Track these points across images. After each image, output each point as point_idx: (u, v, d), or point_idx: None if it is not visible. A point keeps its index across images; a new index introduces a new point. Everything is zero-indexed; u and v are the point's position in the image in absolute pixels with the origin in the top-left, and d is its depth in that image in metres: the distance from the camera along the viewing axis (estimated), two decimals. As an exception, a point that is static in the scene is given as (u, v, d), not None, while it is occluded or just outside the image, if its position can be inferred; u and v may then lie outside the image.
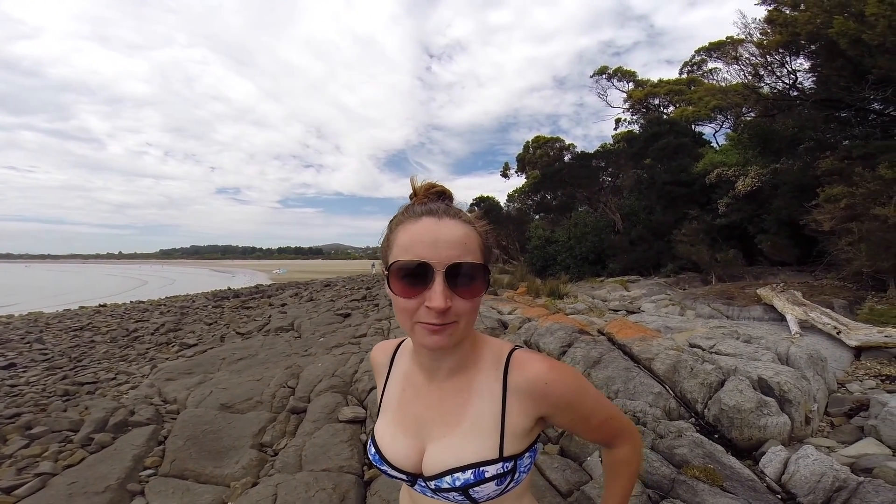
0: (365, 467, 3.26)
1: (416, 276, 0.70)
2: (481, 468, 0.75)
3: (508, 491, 0.79)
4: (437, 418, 0.83)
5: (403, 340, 0.98)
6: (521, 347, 0.85)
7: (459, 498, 0.77)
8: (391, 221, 0.79)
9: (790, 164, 10.54)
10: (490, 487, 0.75)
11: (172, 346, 8.65)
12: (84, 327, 11.36)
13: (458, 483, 0.75)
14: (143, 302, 18.49)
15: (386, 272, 0.74)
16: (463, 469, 0.75)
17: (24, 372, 6.88)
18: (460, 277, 0.70)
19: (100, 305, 17.28)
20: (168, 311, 14.03)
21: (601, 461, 0.90)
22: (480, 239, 0.76)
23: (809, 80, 10.03)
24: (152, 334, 10.03)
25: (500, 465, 0.75)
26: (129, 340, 9.42)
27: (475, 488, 0.75)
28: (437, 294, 0.68)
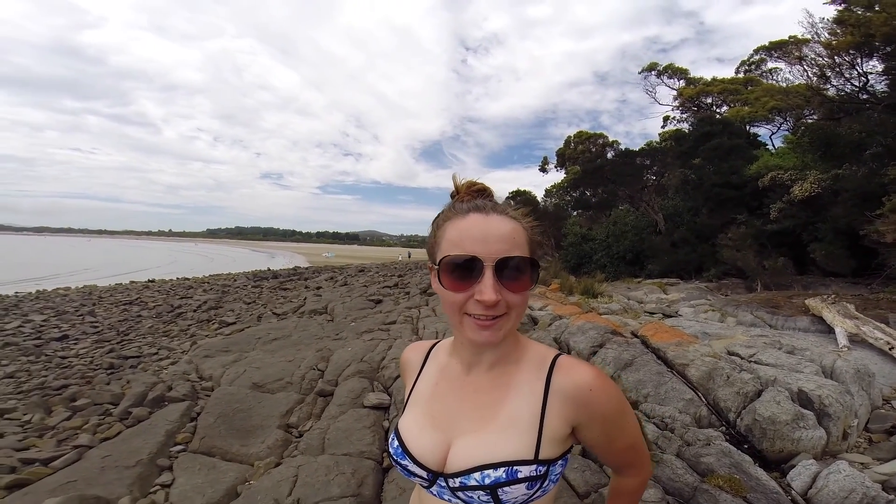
0: (384, 453, 3.30)
1: (465, 270, 0.71)
2: (515, 467, 0.72)
3: (535, 499, 0.76)
4: (469, 412, 0.81)
5: (438, 341, 0.99)
6: (567, 355, 0.84)
7: (485, 498, 0.73)
8: (436, 219, 0.80)
9: (854, 171, 9.89)
10: (520, 490, 0.72)
11: (212, 324, 9.03)
12: (133, 302, 12.03)
13: (487, 481, 0.72)
14: (188, 279, 19.40)
15: (435, 268, 0.76)
16: (495, 466, 0.72)
17: (76, 344, 7.34)
18: (509, 271, 0.71)
19: (148, 281, 18.23)
20: (211, 289, 14.65)
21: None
22: (527, 234, 0.77)
23: (882, 82, 9.44)
24: (195, 311, 10.51)
25: (535, 467, 0.73)
26: (172, 316, 9.90)
27: (505, 488, 0.72)
28: (487, 287, 0.69)
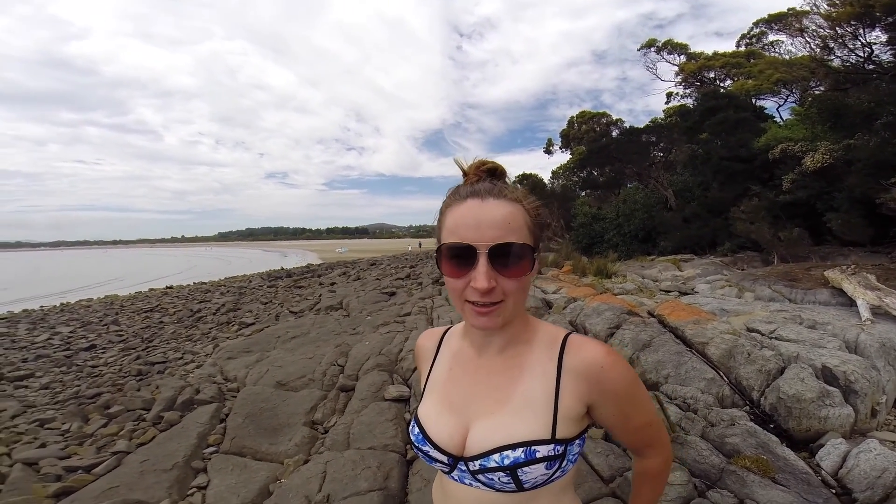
0: (408, 446, 3.35)
1: (461, 257, 0.72)
2: (533, 447, 0.73)
3: (554, 480, 0.77)
4: (484, 395, 0.82)
5: (450, 327, 1.00)
6: (577, 333, 0.84)
7: (505, 479, 0.74)
8: (442, 204, 0.81)
9: (866, 140, 9.77)
10: (539, 470, 0.73)
11: (232, 326, 9.19)
12: (154, 309, 12.28)
13: (506, 462, 0.73)
14: (205, 283, 19.70)
15: (437, 255, 0.77)
16: (513, 447, 0.73)
17: (103, 353, 7.58)
18: (504, 258, 0.71)
19: (167, 287, 18.56)
20: (228, 292, 14.87)
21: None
22: (528, 217, 0.76)
23: (887, 52, 9.28)
24: (214, 314, 10.69)
25: (552, 446, 0.73)
26: (193, 321, 10.10)
27: (524, 469, 0.72)
28: (480, 274, 0.69)
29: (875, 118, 9.78)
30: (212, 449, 3.65)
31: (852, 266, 6.44)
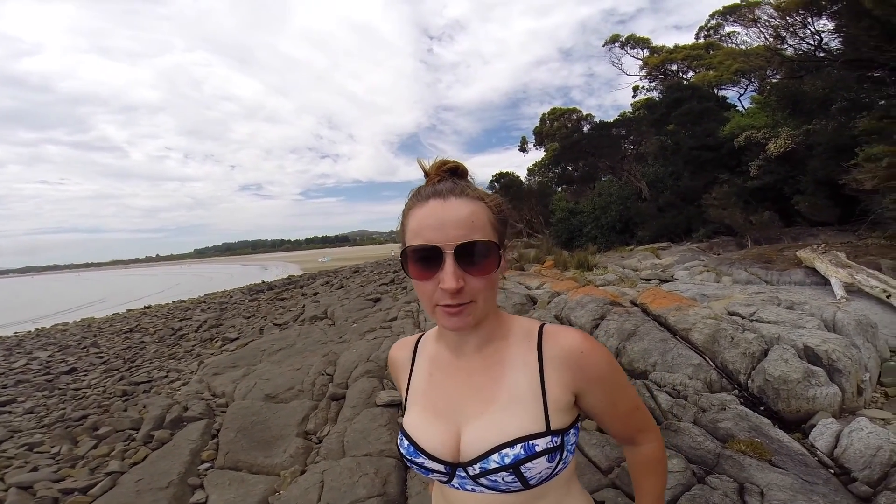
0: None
1: (427, 259, 0.71)
2: (531, 441, 0.72)
3: (558, 472, 0.76)
4: (469, 396, 0.80)
5: (423, 334, 0.97)
6: (550, 322, 0.83)
7: (510, 478, 0.72)
8: (405, 207, 0.79)
9: (824, 125, 10.26)
10: (542, 464, 0.72)
11: (216, 342, 9.02)
12: (133, 329, 11.99)
13: (507, 460, 0.71)
14: (184, 301, 19.28)
15: (401, 258, 0.76)
16: (511, 444, 0.72)
17: (85, 375, 7.40)
18: (470, 256, 0.70)
19: (145, 307, 18.10)
20: (208, 308, 14.59)
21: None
22: (492, 213, 0.75)
23: (836, 40, 9.69)
24: (196, 331, 10.48)
25: (550, 438, 0.72)
26: (175, 339, 9.89)
27: (526, 465, 0.71)
28: (448, 275, 0.68)
29: (830, 103, 10.26)
30: (206, 465, 3.59)
31: (822, 245, 6.70)
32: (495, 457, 0.72)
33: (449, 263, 0.69)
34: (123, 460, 3.75)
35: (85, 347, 10.01)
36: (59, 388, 6.66)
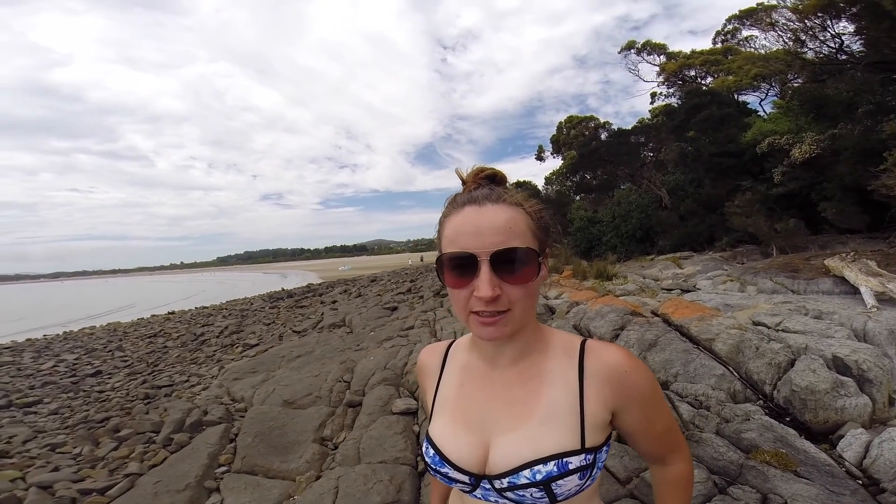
0: (418, 459, 3.32)
1: (463, 266, 0.69)
2: (565, 459, 0.70)
3: (585, 488, 0.74)
4: (503, 408, 0.78)
5: (454, 341, 0.95)
6: (593, 339, 0.81)
7: (538, 494, 0.70)
8: (441, 215, 0.78)
9: (850, 129, 9.92)
10: (573, 481, 0.70)
11: (236, 347, 9.18)
12: (157, 334, 12.29)
13: (539, 477, 0.69)
14: (206, 307, 19.68)
15: (437, 265, 0.74)
16: (545, 461, 0.70)
17: (109, 378, 7.60)
18: (507, 264, 0.68)
19: (169, 313, 18.54)
20: (230, 315, 14.87)
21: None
22: (531, 220, 0.73)
23: (857, 42, 9.47)
24: (217, 337, 10.68)
25: (583, 456, 0.71)
26: (197, 344, 10.10)
27: (558, 482, 0.69)
28: (483, 283, 0.66)
29: (856, 107, 9.92)
30: (223, 468, 3.65)
31: (851, 253, 6.47)
32: (526, 472, 0.70)
33: (484, 271, 0.67)
34: (143, 462, 3.83)
35: (110, 351, 10.29)
36: (84, 391, 6.85)
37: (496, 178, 0.78)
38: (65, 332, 15.01)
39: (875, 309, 4.53)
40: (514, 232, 0.69)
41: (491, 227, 0.68)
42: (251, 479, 3.42)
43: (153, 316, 17.96)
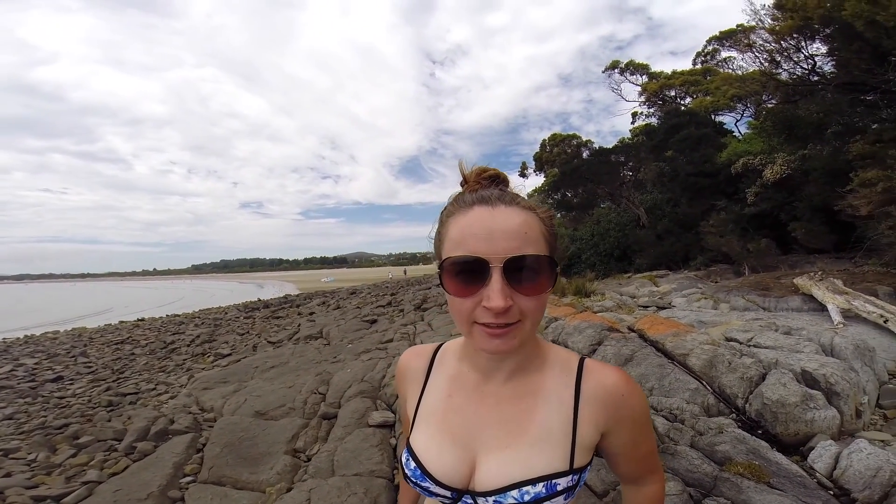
0: (395, 472, 3.27)
1: (470, 273, 0.63)
2: (554, 481, 0.68)
3: None
4: (494, 425, 0.74)
5: (441, 344, 0.90)
6: (591, 358, 0.78)
7: None
8: (442, 213, 0.72)
9: (819, 150, 10.28)
10: (559, 502, 0.68)
11: (208, 357, 8.94)
12: (125, 341, 11.89)
13: (526, 498, 0.67)
14: (178, 315, 19.17)
15: (438, 269, 0.68)
16: (534, 482, 0.68)
17: (71, 384, 7.29)
18: (521, 272, 0.62)
19: (138, 320, 17.96)
20: (202, 323, 14.51)
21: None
22: (544, 226, 0.68)
23: (829, 63, 9.80)
24: (188, 345, 10.39)
25: (571, 477, 0.69)
26: (167, 352, 9.80)
27: (545, 503, 0.68)
28: (494, 292, 0.60)
29: (825, 128, 10.27)
30: (189, 479, 3.52)
31: (819, 272, 6.69)
32: (514, 493, 0.68)
33: (496, 279, 0.61)
34: (102, 470, 3.68)
35: (74, 357, 9.92)
36: (43, 396, 6.57)
37: (499, 180, 0.73)
38: (26, 336, 14.41)
39: (841, 325, 4.69)
40: (529, 238, 0.64)
41: (504, 230, 0.63)
42: (218, 490, 3.31)
43: (121, 322, 17.38)
